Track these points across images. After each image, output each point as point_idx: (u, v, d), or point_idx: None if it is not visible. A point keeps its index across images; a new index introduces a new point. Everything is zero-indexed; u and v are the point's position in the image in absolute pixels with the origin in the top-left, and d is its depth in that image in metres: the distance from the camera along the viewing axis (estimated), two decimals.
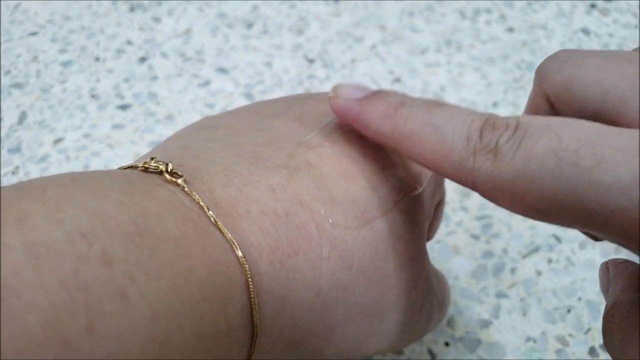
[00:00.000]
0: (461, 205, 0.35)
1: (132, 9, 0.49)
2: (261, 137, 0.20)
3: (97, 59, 0.45)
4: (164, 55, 0.45)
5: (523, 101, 0.41)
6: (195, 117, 0.40)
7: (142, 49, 0.46)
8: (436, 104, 0.17)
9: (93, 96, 0.42)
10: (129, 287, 0.13)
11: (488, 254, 0.33)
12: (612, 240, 0.14)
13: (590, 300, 0.31)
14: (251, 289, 0.16)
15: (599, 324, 0.30)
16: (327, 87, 0.43)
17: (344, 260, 0.18)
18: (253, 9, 0.50)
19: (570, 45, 0.46)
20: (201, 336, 0.14)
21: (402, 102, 0.17)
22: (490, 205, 0.35)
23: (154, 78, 0.44)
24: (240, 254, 0.16)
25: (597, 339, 0.29)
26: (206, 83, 0.43)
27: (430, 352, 0.29)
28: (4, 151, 0.38)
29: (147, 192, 0.15)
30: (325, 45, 0.46)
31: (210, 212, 0.16)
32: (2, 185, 0.14)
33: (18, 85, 0.43)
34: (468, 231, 0.34)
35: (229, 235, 0.16)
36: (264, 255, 0.17)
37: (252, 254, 0.16)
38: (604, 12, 0.49)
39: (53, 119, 0.40)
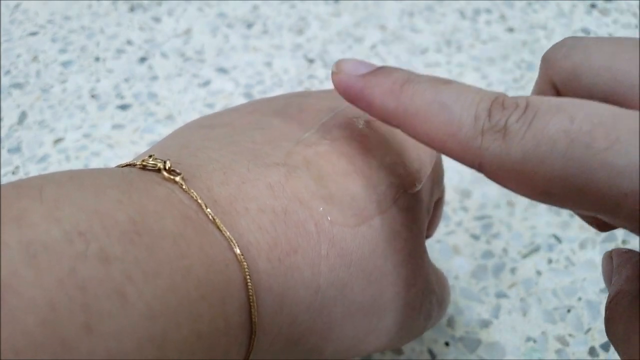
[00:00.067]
0: (461, 205, 0.35)
1: (132, 9, 0.49)
2: (260, 135, 0.20)
3: (97, 59, 0.45)
4: (164, 55, 0.45)
5: None
6: (195, 117, 0.40)
7: (142, 49, 0.46)
8: (443, 82, 0.16)
9: (93, 96, 0.42)
10: (126, 286, 0.13)
11: (488, 254, 0.33)
12: (622, 226, 0.14)
13: (590, 300, 0.31)
14: (249, 287, 0.16)
15: (599, 324, 0.30)
16: (327, 87, 0.43)
17: (343, 258, 0.18)
18: (253, 9, 0.50)
19: None
20: (199, 334, 0.14)
21: (408, 78, 0.17)
22: (490, 205, 0.35)
23: (154, 78, 0.44)
24: (238, 251, 0.16)
25: (597, 339, 0.29)
26: (206, 83, 0.43)
27: (430, 352, 0.29)
28: (4, 151, 0.38)
29: (145, 190, 0.15)
30: (325, 45, 0.46)
31: (209, 210, 0.16)
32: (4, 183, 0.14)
33: (18, 85, 0.43)
34: (468, 231, 0.34)
35: (227, 233, 0.16)
36: (263, 253, 0.16)
37: (251, 251, 0.16)
38: (604, 12, 0.49)
39: (53, 119, 0.40)
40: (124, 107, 0.41)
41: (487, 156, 0.14)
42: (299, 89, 0.43)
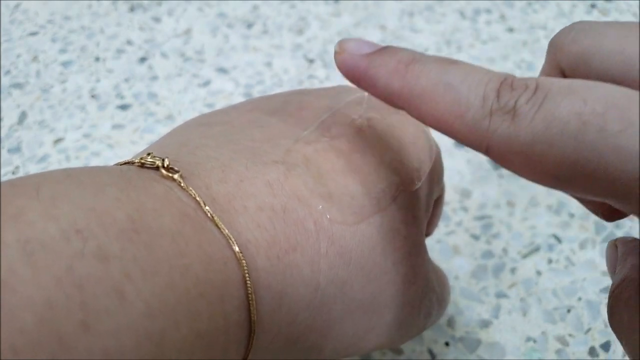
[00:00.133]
0: (461, 205, 0.35)
1: (132, 9, 0.49)
2: (259, 133, 0.20)
3: (97, 59, 0.45)
4: (164, 55, 0.45)
5: None
6: None
7: (142, 49, 0.46)
8: (450, 62, 0.16)
9: (93, 96, 0.42)
10: (125, 284, 0.13)
11: (488, 254, 0.33)
12: (633, 212, 0.14)
13: (590, 300, 0.31)
14: (248, 285, 0.16)
15: (599, 324, 0.30)
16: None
17: (342, 256, 0.18)
18: (253, 9, 0.50)
19: None
20: (198, 333, 0.14)
21: (414, 58, 0.16)
22: (490, 205, 0.35)
23: (154, 78, 0.44)
24: (237, 249, 0.16)
25: (597, 339, 0.29)
26: (206, 83, 0.43)
27: (431, 352, 0.29)
28: (4, 151, 0.38)
29: (144, 187, 0.15)
30: (325, 45, 0.46)
31: (207, 208, 0.16)
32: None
33: (18, 85, 0.43)
34: (468, 231, 0.34)
35: (226, 230, 0.16)
36: (261, 251, 0.16)
37: (249, 249, 0.16)
38: (604, 12, 0.49)
39: (53, 119, 0.40)
40: (124, 107, 0.41)
41: (495, 138, 0.14)
42: (299, 88, 0.43)
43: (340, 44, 0.18)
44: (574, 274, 0.32)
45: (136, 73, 0.44)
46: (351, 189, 0.19)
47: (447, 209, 0.35)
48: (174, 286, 0.14)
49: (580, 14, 0.48)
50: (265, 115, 0.21)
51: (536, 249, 0.33)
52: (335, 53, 0.18)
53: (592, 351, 0.29)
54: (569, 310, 0.30)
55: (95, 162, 0.38)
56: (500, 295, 0.31)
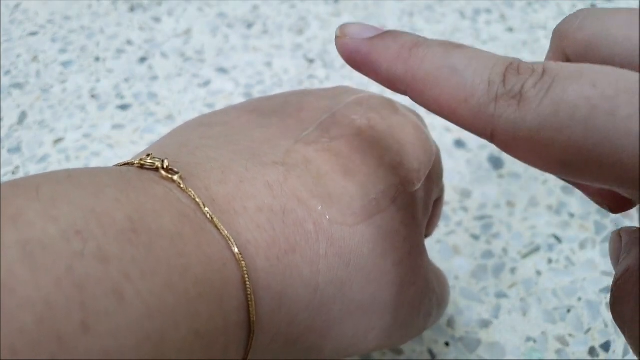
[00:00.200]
0: (461, 205, 0.35)
1: (132, 9, 0.49)
2: (258, 134, 0.20)
3: (97, 59, 0.45)
4: (164, 55, 0.45)
5: None
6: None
7: (142, 49, 0.46)
8: (455, 45, 0.15)
9: (93, 96, 0.42)
10: (124, 285, 0.13)
11: (488, 254, 0.33)
12: None
13: (590, 300, 0.31)
14: (248, 286, 0.16)
15: (599, 324, 0.30)
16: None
17: (342, 257, 0.18)
18: (253, 9, 0.50)
19: None
20: (197, 333, 0.14)
21: (418, 42, 0.16)
22: (490, 205, 0.35)
23: (154, 78, 0.44)
24: (236, 250, 0.16)
25: (597, 339, 0.29)
26: (206, 83, 0.43)
27: (431, 352, 0.29)
28: (4, 151, 0.38)
29: (143, 188, 0.15)
30: (325, 45, 0.46)
31: (207, 209, 0.16)
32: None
33: (18, 85, 0.43)
34: (468, 231, 0.34)
35: (225, 231, 0.16)
36: (261, 252, 0.16)
37: (249, 250, 0.16)
38: None
39: (53, 119, 0.40)
40: (124, 107, 0.41)
41: (500, 124, 0.14)
42: (299, 88, 0.43)
43: (342, 28, 0.17)
44: (574, 274, 0.32)
45: (136, 73, 0.44)
46: (351, 190, 0.19)
47: (447, 209, 0.35)
48: (173, 287, 0.14)
49: None
50: (265, 116, 0.21)
51: (536, 249, 0.33)
52: (336, 37, 0.17)
53: (592, 351, 0.29)
54: (569, 310, 0.30)
55: (95, 162, 0.38)
56: (500, 295, 0.31)
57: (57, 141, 0.39)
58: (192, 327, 0.14)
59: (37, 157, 0.38)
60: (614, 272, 0.17)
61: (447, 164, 0.37)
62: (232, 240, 0.16)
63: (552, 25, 0.47)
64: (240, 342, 0.16)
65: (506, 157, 0.37)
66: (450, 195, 0.35)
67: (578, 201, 0.35)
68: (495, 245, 0.33)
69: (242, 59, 0.45)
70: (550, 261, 0.32)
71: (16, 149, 0.38)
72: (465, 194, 0.36)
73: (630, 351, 0.29)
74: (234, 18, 0.49)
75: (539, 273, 0.32)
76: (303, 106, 0.21)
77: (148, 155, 0.17)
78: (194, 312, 0.14)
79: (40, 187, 0.14)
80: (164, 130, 0.40)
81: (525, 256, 0.33)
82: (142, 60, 0.45)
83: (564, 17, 0.17)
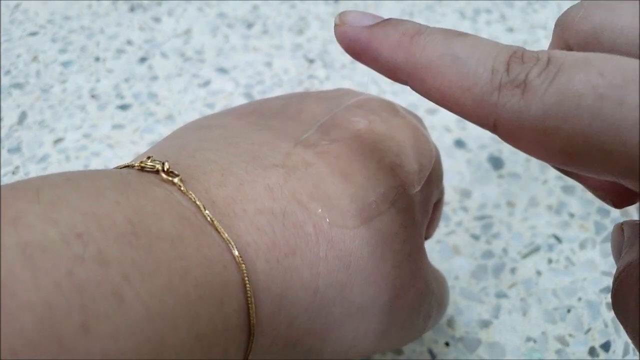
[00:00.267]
0: (461, 205, 0.35)
1: (132, 9, 0.49)
2: (258, 136, 0.20)
3: (97, 59, 0.45)
4: (164, 55, 0.45)
5: None
6: (195, 117, 0.40)
7: (142, 49, 0.46)
8: (457, 33, 0.15)
9: (93, 96, 0.42)
10: (124, 287, 0.13)
11: (488, 254, 0.33)
12: None
13: (590, 300, 0.31)
14: (248, 288, 0.16)
15: (599, 324, 0.30)
16: (327, 87, 0.43)
17: (342, 259, 0.18)
18: (253, 9, 0.50)
19: None
20: (197, 336, 0.14)
21: (419, 30, 0.15)
22: (490, 205, 0.35)
23: (154, 78, 0.44)
24: (236, 253, 0.16)
25: (597, 339, 0.29)
26: (206, 83, 0.43)
27: (431, 352, 0.29)
28: (4, 151, 0.38)
29: (144, 191, 0.15)
30: (325, 45, 0.46)
31: (207, 212, 0.16)
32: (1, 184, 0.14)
33: (18, 85, 0.43)
34: (468, 231, 0.34)
35: (226, 234, 0.16)
36: (261, 254, 0.16)
37: (249, 253, 0.16)
38: None
39: (53, 119, 0.40)
40: (124, 107, 0.41)
41: (504, 113, 0.13)
42: (299, 89, 0.43)
43: (340, 16, 0.17)
44: (574, 274, 0.32)
45: (136, 73, 0.44)
46: (350, 193, 0.19)
47: (447, 209, 0.35)
48: (173, 289, 0.14)
49: None
50: (265, 118, 0.21)
51: (536, 249, 0.33)
52: (335, 26, 0.17)
53: (592, 351, 0.29)
54: (569, 310, 0.30)
55: (95, 162, 0.38)
56: (500, 295, 0.31)
57: (57, 141, 0.39)
58: (192, 329, 0.14)
59: (37, 157, 0.38)
60: (614, 272, 0.17)
61: (447, 164, 0.37)
62: (232, 243, 0.16)
63: (552, 25, 0.47)
64: (240, 344, 0.16)
65: (506, 157, 0.37)
66: (450, 195, 0.35)
67: (578, 201, 0.35)
68: (495, 245, 0.33)
69: (242, 59, 0.45)
70: (550, 261, 0.32)
71: (16, 149, 0.38)
72: (465, 194, 0.36)
73: (630, 351, 0.29)
74: (234, 18, 0.49)
75: (539, 273, 0.32)
76: (303, 108, 0.21)
77: (148, 158, 0.17)
78: (194, 315, 0.14)
79: (40, 189, 0.14)
80: (164, 130, 0.40)
81: (525, 256, 0.33)
82: (142, 60, 0.45)
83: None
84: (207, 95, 0.42)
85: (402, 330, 0.21)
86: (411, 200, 0.20)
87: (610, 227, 0.34)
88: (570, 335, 0.29)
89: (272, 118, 0.21)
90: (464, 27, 0.48)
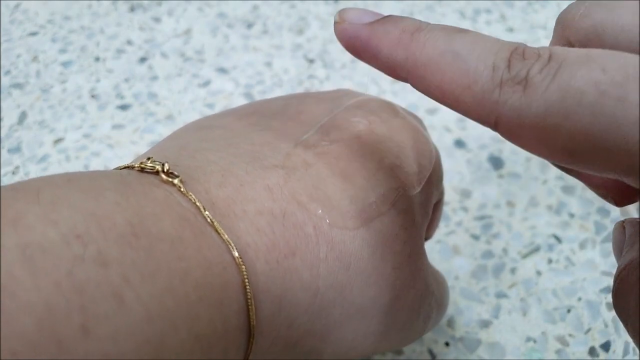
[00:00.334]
0: (461, 205, 0.35)
1: (132, 9, 0.49)
2: (258, 136, 0.20)
3: (97, 59, 0.45)
4: (164, 55, 0.45)
5: None
6: (195, 117, 0.40)
7: (142, 49, 0.46)
8: (458, 30, 0.15)
9: (93, 96, 0.42)
10: (124, 288, 0.13)
11: (488, 254, 0.33)
12: None
13: (590, 300, 0.31)
14: (248, 290, 0.16)
15: (599, 324, 0.30)
16: (327, 87, 0.43)
17: (342, 260, 0.18)
18: (253, 9, 0.50)
19: None
20: (197, 337, 0.14)
21: (419, 27, 0.15)
22: (490, 205, 0.35)
23: (154, 78, 0.44)
24: (236, 254, 0.16)
25: (597, 339, 0.29)
26: (206, 83, 0.43)
27: (431, 352, 0.29)
28: (4, 151, 0.38)
29: (143, 192, 0.15)
30: (325, 45, 0.46)
31: (207, 212, 0.16)
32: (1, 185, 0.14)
33: (18, 85, 0.43)
34: (468, 231, 0.34)
35: (225, 235, 0.16)
36: (261, 255, 0.16)
37: (249, 254, 0.16)
38: None
39: (53, 119, 0.40)
40: (124, 107, 0.41)
41: (505, 111, 0.13)
42: (299, 89, 0.43)
43: (340, 13, 0.17)
44: (574, 274, 0.32)
45: (136, 73, 0.44)
46: (351, 194, 0.19)
47: (447, 209, 0.35)
48: (173, 290, 0.14)
49: None
50: (265, 118, 0.21)
51: (536, 249, 0.33)
52: (335, 23, 0.17)
53: (592, 351, 0.29)
54: (569, 310, 0.30)
55: (95, 162, 0.38)
56: (500, 295, 0.31)
57: (57, 141, 0.39)
58: (192, 330, 0.14)
59: (37, 157, 0.38)
60: (614, 272, 0.17)
61: (447, 164, 0.37)
62: (232, 244, 0.16)
63: (552, 25, 0.47)
64: (240, 345, 0.16)
65: (506, 157, 0.37)
66: (450, 196, 0.35)
67: (578, 201, 0.35)
68: (495, 245, 0.33)
69: (242, 59, 0.45)
70: (550, 261, 0.32)
71: (16, 149, 0.38)
72: (465, 194, 0.36)
73: (630, 351, 0.29)
74: (234, 18, 0.49)
75: (539, 273, 0.32)
76: (303, 109, 0.21)
77: (148, 159, 0.17)
78: (194, 316, 0.14)
79: (40, 190, 0.14)
80: (163, 130, 0.40)
81: (525, 256, 0.33)
82: (142, 60, 0.45)
83: None
84: (207, 95, 0.42)
85: (401, 331, 0.21)
86: (411, 201, 0.20)
87: (610, 227, 0.34)
88: (570, 335, 0.29)
89: (273, 119, 0.21)
90: (464, 27, 0.47)
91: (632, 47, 0.15)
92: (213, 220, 0.16)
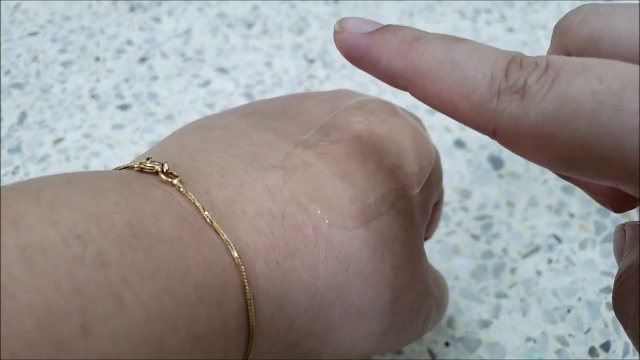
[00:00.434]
0: (461, 205, 0.35)
1: (132, 9, 0.49)
2: (258, 137, 0.20)
3: (97, 59, 0.45)
4: (164, 55, 0.45)
5: None
6: (195, 117, 0.40)
7: (142, 49, 0.46)
8: (456, 39, 0.15)
9: (93, 96, 0.42)
10: (123, 289, 0.13)
11: (488, 254, 0.33)
12: None
13: (590, 300, 0.31)
14: (247, 290, 0.16)
15: (599, 324, 0.30)
16: (327, 87, 0.43)
17: (341, 261, 0.18)
18: (253, 9, 0.50)
19: None
20: (196, 337, 0.14)
21: (418, 36, 0.15)
22: (490, 205, 0.35)
23: (154, 78, 0.44)
24: (236, 255, 0.16)
25: (597, 339, 0.29)
26: (206, 83, 0.43)
27: (431, 352, 0.29)
28: (4, 151, 0.38)
29: (143, 192, 0.15)
30: (325, 45, 0.46)
31: (206, 213, 0.16)
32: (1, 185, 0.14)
33: (18, 85, 0.43)
34: (468, 231, 0.34)
35: (225, 236, 0.16)
36: (260, 256, 0.16)
37: (248, 254, 0.16)
38: None
39: (53, 119, 0.40)
40: (124, 107, 0.41)
41: (502, 119, 0.13)
42: (299, 89, 0.43)
43: (340, 22, 0.17)
44: (574, 274, 0.32)
45: (136, 73, 0.44)
46: (350, 194, 0.19)
47: (447, 209, 0.35)
48: (172, 291, 0.14)
49: None
50: (265, 119, 0.21)
51: (536, 249, 0.33)
52: (335, 32, 0.17)
53: (592, 351, 0.29)
54: (569, 310, 0.30)
55: (95, 162, 0.38)
56: (500, 295, 0.31)
57: (57, 141, 0.39)
58: (192, 331, 0.14)
59: (37, 157, 0.38)
60: (614, 272, 0.17)
61: (447, 164, 0.37)
62: (232, 245, 0.16)
63: (552, 25, 0.47)
64: (239, 346, 0.16)
65: (506, 157, 0.37)
66: (450, 195, 0.35)
67: (578, 201, 0.35)
68: (495, 245, 0.33)
69: (242, 59, 0.45)
70: (550, 261, 0.32)
71: (16, 149, 0.38)
72: (465, 194, 0.36)
73: (630, 351, 0.29)
74: (234, 18, 0.49)
75: (539, 273, 0.32)
76: (303, 109, 0.21)
77: (148, 159, 0.17)
78: (193, 316, 0.14)
79: (40, 191, 0.14)
80: (164, 130, 0.40)
81: (525, 256, 0.33)
82: (142, 60, 0.45)
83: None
84: (207, 95, 0.42)
85: (401, 332, 0.21)
86: (411, 201, 0.20)
87: (610, 228, 0.34)
88: (570, 335, 0.29)
89: (272, 119, 0.21)
90: (464, 27, 0.48)
91: (629, 55, 0.15)
92: (212, 220, 0.16)
